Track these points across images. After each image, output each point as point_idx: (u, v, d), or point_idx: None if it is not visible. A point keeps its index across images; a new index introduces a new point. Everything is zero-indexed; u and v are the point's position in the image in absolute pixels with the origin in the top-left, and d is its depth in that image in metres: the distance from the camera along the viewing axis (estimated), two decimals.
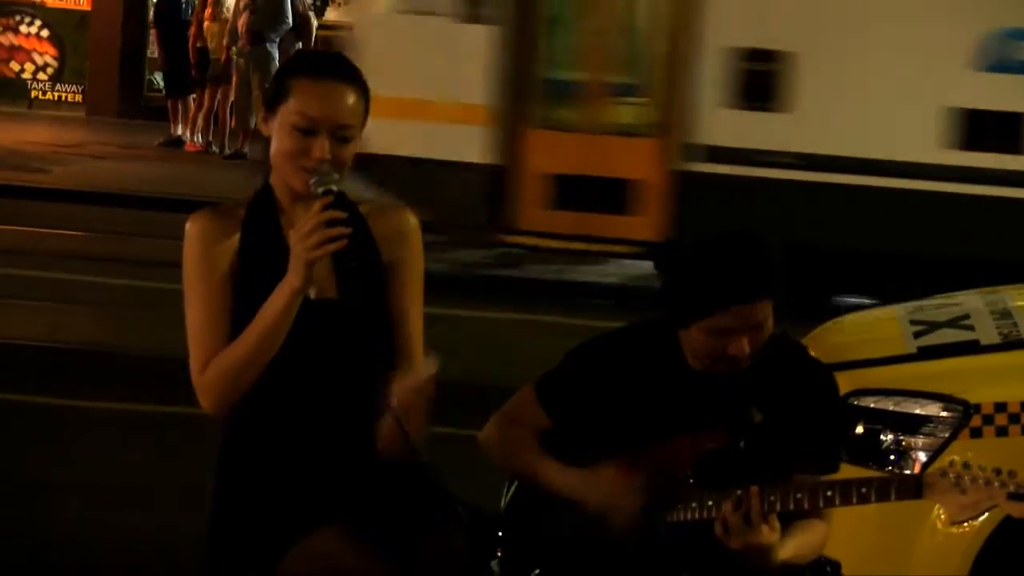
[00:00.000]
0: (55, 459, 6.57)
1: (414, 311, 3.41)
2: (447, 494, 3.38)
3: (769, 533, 3.19)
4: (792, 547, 3.28)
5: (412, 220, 3.43)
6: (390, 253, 3.36)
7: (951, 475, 3.13)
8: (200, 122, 17.64)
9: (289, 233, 3.17)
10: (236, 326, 3.22)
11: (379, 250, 3.34)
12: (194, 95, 17.69)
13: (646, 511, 3.36)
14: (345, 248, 3.11)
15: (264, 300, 3.18)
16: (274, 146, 3.27)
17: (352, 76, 3.31)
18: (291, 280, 3.13)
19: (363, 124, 3.29)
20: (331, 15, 20.41)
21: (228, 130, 17.42)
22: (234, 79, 16.75)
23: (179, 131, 17.87)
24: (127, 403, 7.42)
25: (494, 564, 3.51)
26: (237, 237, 3.28)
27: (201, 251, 3.26)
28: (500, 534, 3.56)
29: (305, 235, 3.09)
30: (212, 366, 3.21)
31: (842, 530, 3.59)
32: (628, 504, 3.35)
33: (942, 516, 4.21)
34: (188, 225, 3.29)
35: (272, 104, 3.28)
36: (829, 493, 3.24)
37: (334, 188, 3.15)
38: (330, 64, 3.35)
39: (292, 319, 3.17)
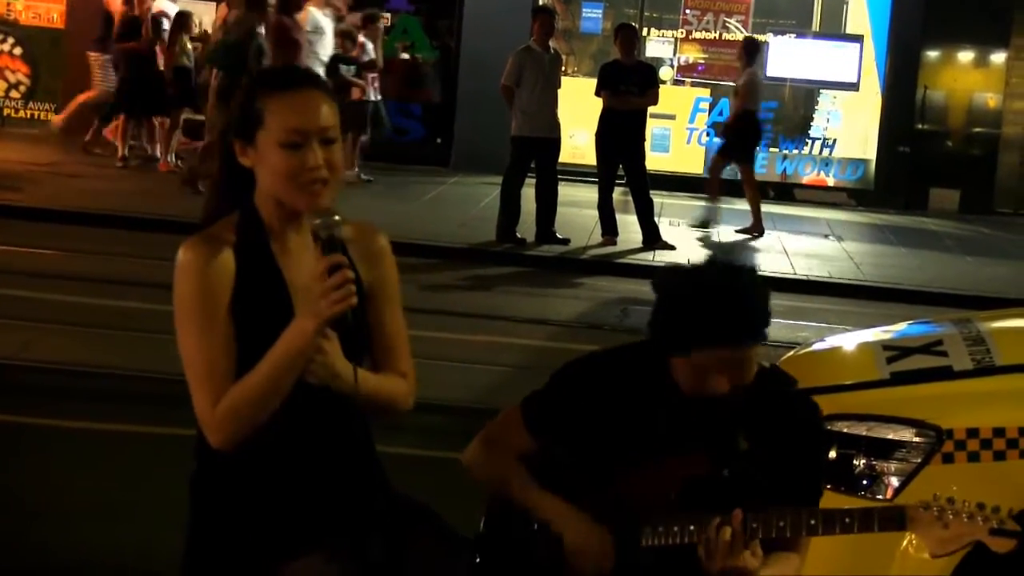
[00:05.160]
0: (23, 476, 6.53)
1: (402, 326, 3.43)
2: (426, 507, 3.38)
3: (751, 559, 3.19)
4: None
5: (384, 240, 3.44)
6: (369, 273, 3.36)
7: (934, 509, 3.14)
8: (173, 142, 17.58)
9: (284, 261, 3.13)
10: (239, 358, 3.18)
11: (358, 272, 3.34)
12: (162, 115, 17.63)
13: (622, 543, 3.37)
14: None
15: (263, 329, 3.15)
16: (263, 173, 3.23)
17: (317, 81, 3.32)
18: (307, 324, 3.10)
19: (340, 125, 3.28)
20: None
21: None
22: (211, 99, 16.70)
23: (150, 150, 17.82)
24: (97, 421, 7.38)
25: None
26: (232, 265, 3.22)
27: (199, 282, 3.17)
28: (476, 559, 3.55)
29: (320, 294, 3.07)
30: (225, 403, 3.14)
31: (818, 548, 3.59)
32: (591, 563, 3.36)
33: (914, 541, 4.22)
34: (181, 255, 3.21)
35: (247, 133, 3.23)
36: (812, 522, 3.25)
37: (336, 233, 3.14)
38: (295, 74, 3.35)
39: (307, 358, 3.13)
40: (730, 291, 3.26)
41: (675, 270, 3.38)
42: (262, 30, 15.56)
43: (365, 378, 3.24)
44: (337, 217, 3.17)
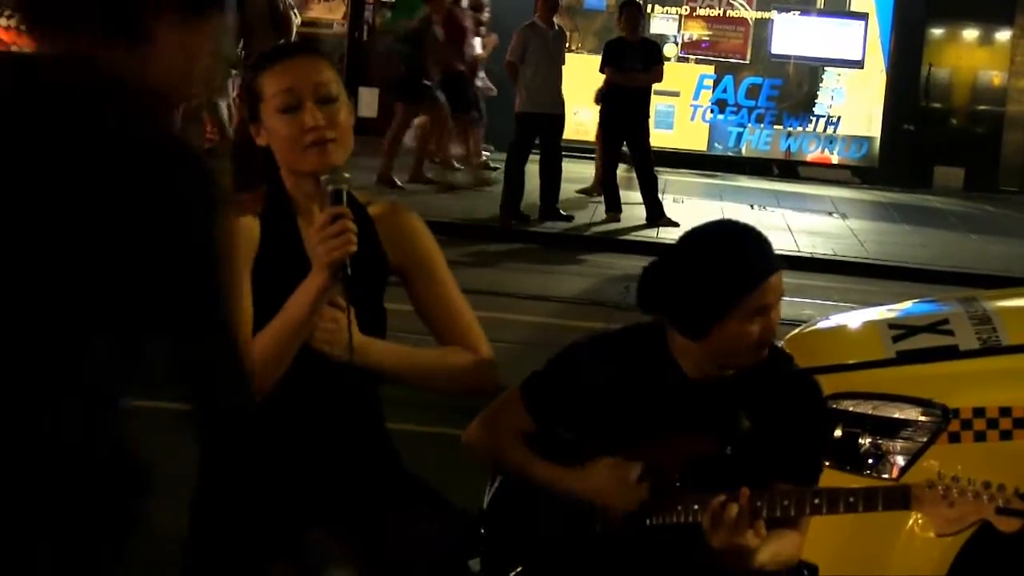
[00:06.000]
0: None
1: (458, 301, 3.40)
2: (418, 481, 3.37)
3: (753, 537, 3.18)
4: (767, 554, 3.27)
5: (415, 219, 3.41)
6: (401, 254, 3.34)
7: (940, 487, 3.12)
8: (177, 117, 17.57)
9: (308, 233, 3.15)
10: (254, 324, 3.16)
11: (385, 252, 3.32)
12: None
13: (637, 510, 3.36)
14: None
15: (280, 298, 3.14)
16: (274, 146, 3.25)
17: (310, 48, 3.41)
18: (316, 280, 3.10)
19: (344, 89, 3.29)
20: (312, 12, 20.32)
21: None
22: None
23: None
24: None
25: (474, 563, 3.49)
26: (256, 233, 3.24)
27: None
28: (481, 532, 3.55)
29: (319, 241, 3.08)
30: None
31: (820, 531, 3.58)
32: (623, 496, 3.34)
33: (920, 520, 4.21)
34: None
35: (253, 113, 3.28)
36: (816, 501, 3.24)
37: (343, 187, 3.14)
38: (285, 46, 3.46)
39: (312, 318, 3.13)
40: (746, 230, 3.31)
41: (671, 251, 3.38)
42: (436, 18, 15.71)
43: (389, 351, 3.24)
44: (347, 175, 3.16)
